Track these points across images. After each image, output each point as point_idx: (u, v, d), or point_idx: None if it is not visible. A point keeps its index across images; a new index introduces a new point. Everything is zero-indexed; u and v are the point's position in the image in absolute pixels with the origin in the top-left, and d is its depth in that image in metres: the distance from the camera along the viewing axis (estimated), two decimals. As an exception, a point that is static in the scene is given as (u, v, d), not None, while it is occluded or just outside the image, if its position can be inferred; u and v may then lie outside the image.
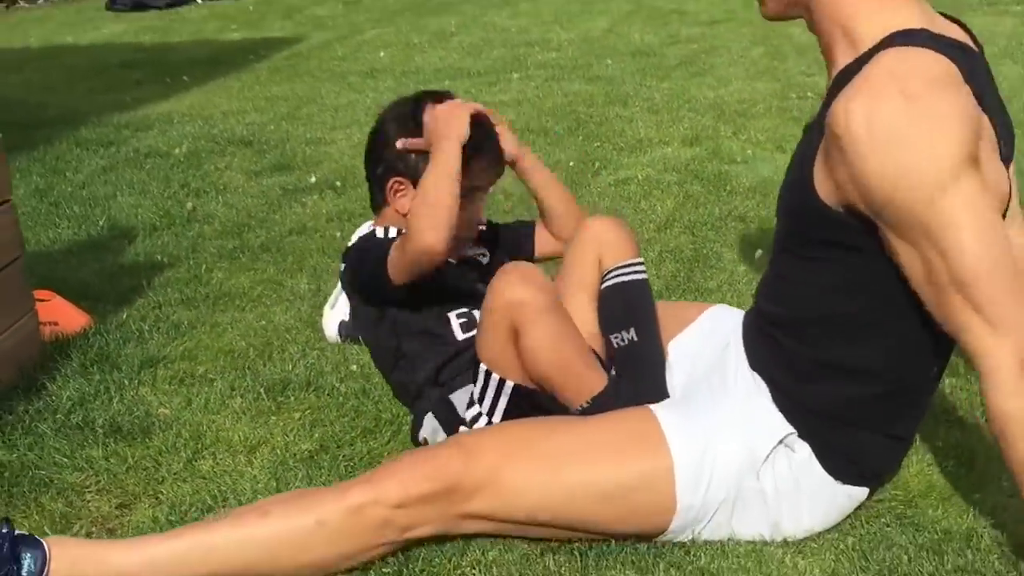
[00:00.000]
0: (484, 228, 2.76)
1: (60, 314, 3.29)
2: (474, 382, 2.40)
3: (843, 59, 2.00)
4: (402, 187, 2.56)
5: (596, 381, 2.30)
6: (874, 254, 1.95)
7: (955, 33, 2.02)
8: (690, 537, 2.14)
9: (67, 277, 3.69)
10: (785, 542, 2.14)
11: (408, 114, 2.55)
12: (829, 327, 2.07)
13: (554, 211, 2.73)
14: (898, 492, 2.30)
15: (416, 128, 2.51)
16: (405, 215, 2.50)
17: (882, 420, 2.11)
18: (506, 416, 2.36)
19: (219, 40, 9.39)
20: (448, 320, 2.54)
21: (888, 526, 2.18)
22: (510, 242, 2.78)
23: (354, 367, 2.99)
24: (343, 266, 2.62)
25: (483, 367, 2.36)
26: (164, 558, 2.07)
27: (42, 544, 2.06)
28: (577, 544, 2.16)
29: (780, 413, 2.10)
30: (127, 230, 4.21)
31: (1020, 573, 2.02)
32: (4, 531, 2.05)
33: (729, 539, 2.14)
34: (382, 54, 7.97)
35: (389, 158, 2.56)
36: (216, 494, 2.43)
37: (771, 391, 2.12)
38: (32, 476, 2.52)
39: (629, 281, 2.45)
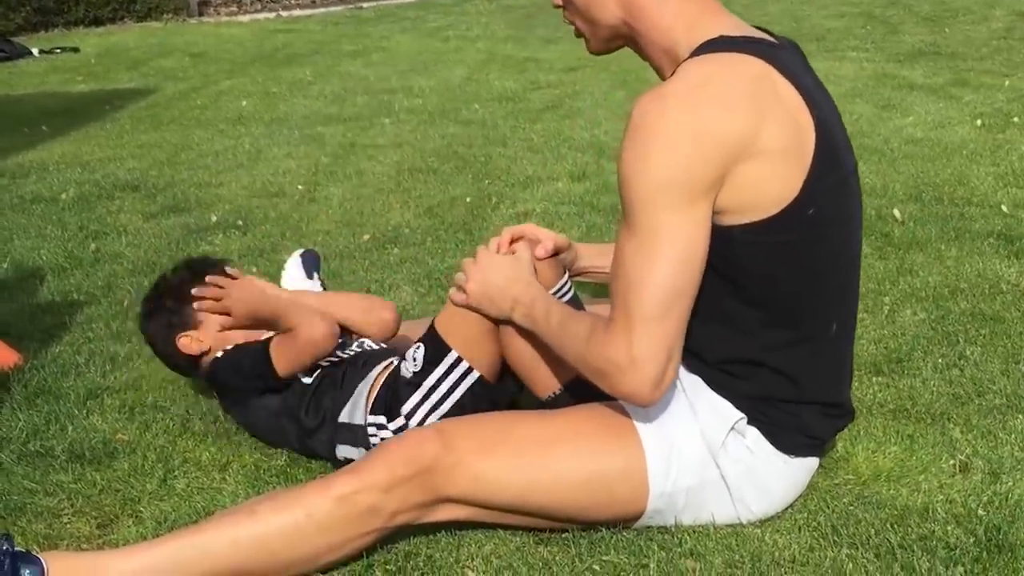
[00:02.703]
0: None
1: (-9, 351, 3.28)
2: (430, 371, 2.51)
3: None
4: (187, 337, 2.86)
5: (567, 373, 2.43)
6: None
7: (760, 35, 2.22)
8: (669, 522, 2.28)
9: (-19, 317, 3.66)
10: (762, 523, 2.29)
11: (163, 308, 2.90)
12: (715, 326, 2.21)
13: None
14: (850, 476, 2.49)
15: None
16: (208, 350, 2.85)
17: (810, 390, 2.25)
18: (456, 408, 2.49)
19: (67, 92, 9.24)
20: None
21: (851, 506, 2.36)
22: None
23: (306, 389, 3.06)
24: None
25: (453, 354, 2.47)
26: (158, 562, 2.12)
27: (39, 560, 2.09)
28: (567, 534, 2.28)
29: (726, 401, 2.24)
30: (34, 271, 4.18)
31: (977, 539, 2.22)
32: (5, 547, 2.08)
33: (708, 523, 2.29)
34: (244, 103, 7.98)
35: (164, 336, 2.89)
36: (199, 509, 2.47)
37: (709, 386, 2.27)
38: (5, 502, 2.52)
39: (567, 302, 2.57)
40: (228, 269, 2.90)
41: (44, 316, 3.71)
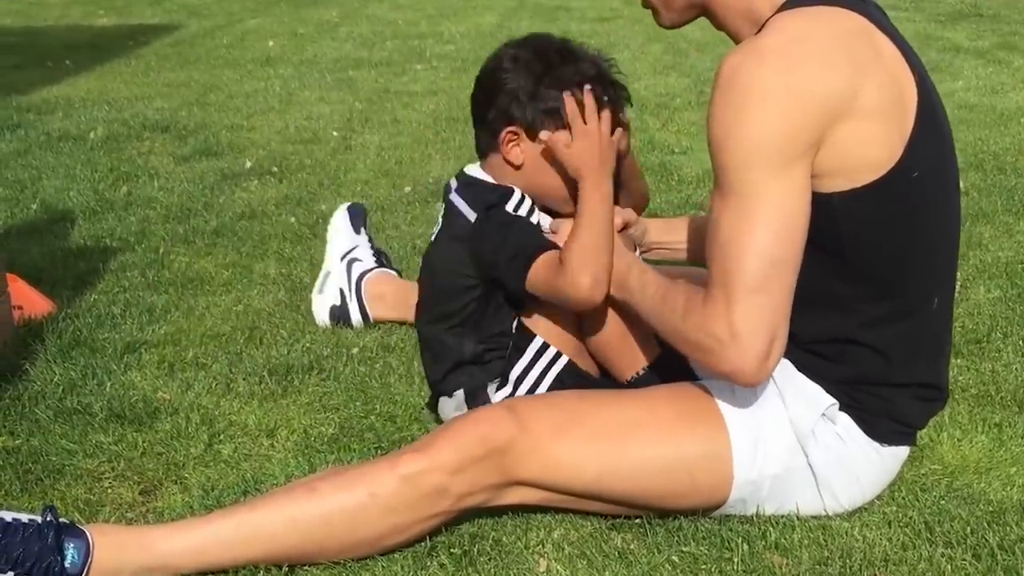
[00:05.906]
0: None
1: (24, 298, 3.14)
2: (515, 360, 2.37)
3: None
4: (515, 137, 2.34)
5: (652, 351, 2.29)
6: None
7: None
8: (751, 512, 2.14)
9: (13, 260, 3.51)
10: (850, 516, 2.16)
11: (532, 66, 2.34)
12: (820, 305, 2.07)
13: None
14: (936, 466, 2.35)
15: (546, 114, 2.32)
16: (519, 167, 2.35)
17: (906, 370, 2.11)
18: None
19: (90, 26, 9.09)
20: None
21: (942, 499, 2.22)
22: None
23: (354, 351, 2.93)
24: (461, 206, 2.40)
25: (538, 340, 2.33)
26: (209, 541, 1.99)
27: (85, 534, 1.96)
28: (642, 520, 2.15)
29: (817, 385, 2.11)
30: (64, 213, 4.04)
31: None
32: (49, 519, 1.95)
33: (792, 513, 2.15)
34: (271, 43, 7.82)
35: (503, 104, 2.34)
36: (248, 478, 2.34)
37: (799, 370, 2.14)
38: (43, 463, 2.39)
39: None
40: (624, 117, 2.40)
41: (77, 262, 3.57)
